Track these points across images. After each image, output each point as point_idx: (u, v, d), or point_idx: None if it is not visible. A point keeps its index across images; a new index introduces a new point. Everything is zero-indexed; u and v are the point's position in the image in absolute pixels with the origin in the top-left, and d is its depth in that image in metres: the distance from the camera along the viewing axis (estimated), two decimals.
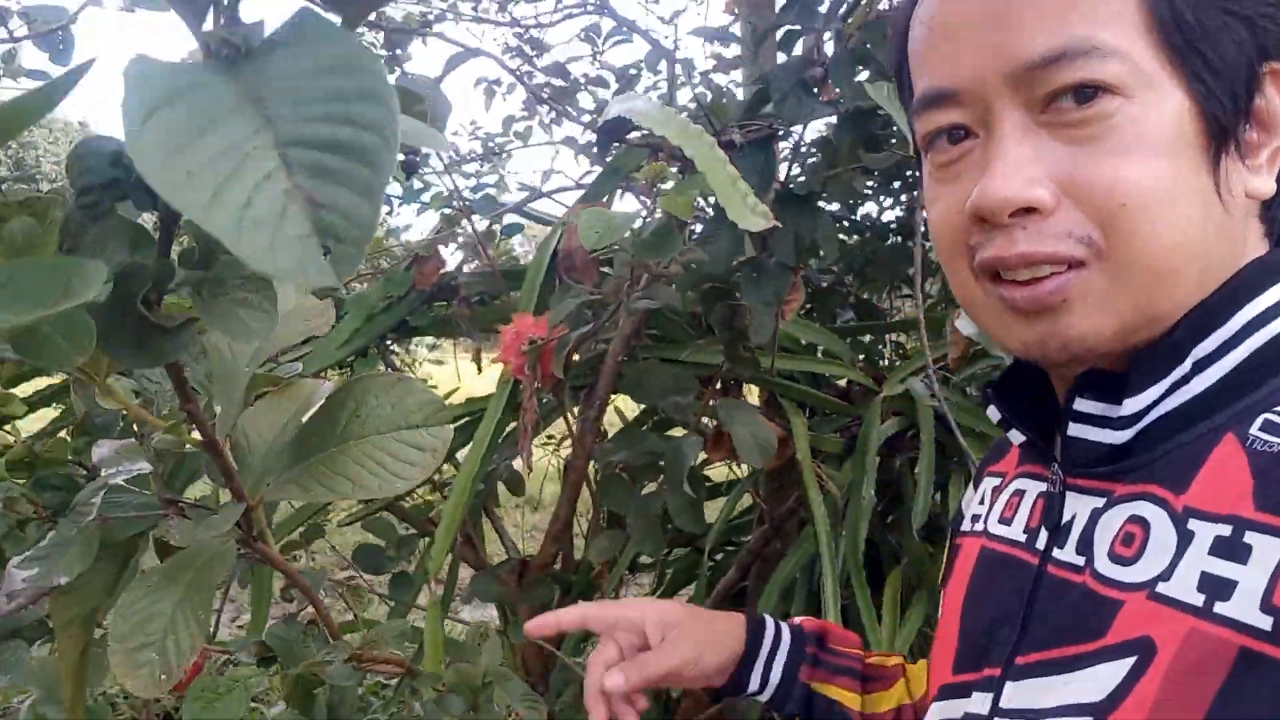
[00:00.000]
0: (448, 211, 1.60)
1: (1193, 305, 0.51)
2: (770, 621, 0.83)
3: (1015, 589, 0.56)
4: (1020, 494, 0.62)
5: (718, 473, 2.35)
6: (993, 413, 0.62)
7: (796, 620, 0.85)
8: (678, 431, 1.74)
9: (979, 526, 0.66)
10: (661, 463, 1.46)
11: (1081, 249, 0.50)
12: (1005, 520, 0.62)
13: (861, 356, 2.09)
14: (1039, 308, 0.52)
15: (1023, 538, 0.59)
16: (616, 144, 1.36)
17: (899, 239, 2.78)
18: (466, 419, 1.80)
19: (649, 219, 1.08)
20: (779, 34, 1.34)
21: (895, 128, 1.26)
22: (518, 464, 2.14)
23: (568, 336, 1.26)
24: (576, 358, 1.37)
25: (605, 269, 1.38)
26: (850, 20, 1.31)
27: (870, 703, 0.81)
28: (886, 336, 2.34)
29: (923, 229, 1.59)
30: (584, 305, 1.23)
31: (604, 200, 1.48)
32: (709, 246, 1.32)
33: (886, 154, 1.19)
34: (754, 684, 0.80)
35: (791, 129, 1.31)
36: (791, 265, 1.31)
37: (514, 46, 2.31)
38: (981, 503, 0.68)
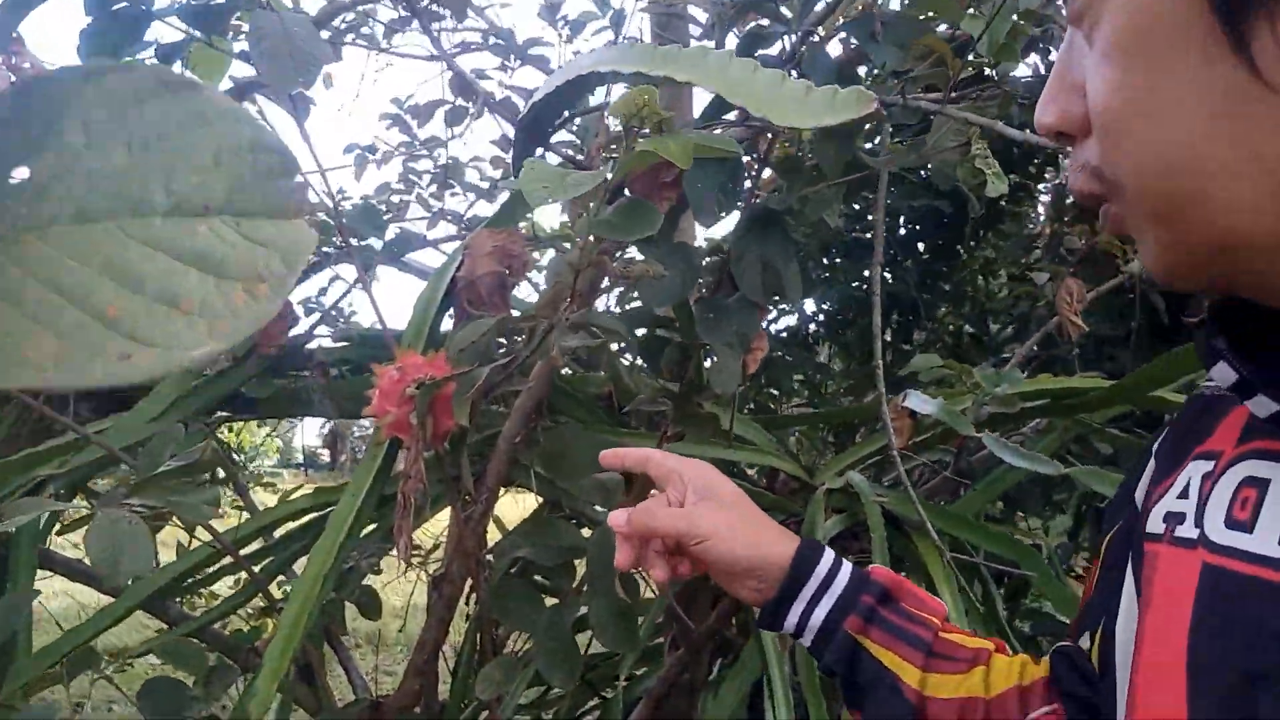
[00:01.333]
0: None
1: None
2: (830, 553, 0.66)
3: (1278, 633, 0.37)
4: (1261, 485, 0.41)
5: None
6: (1222, 373, 0.41)
7: (869, 567, 0.67)
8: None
9: (1188, 531, 0.44)
10: (579, 561, 1.04)
11: (1094, 183, 0.41)
12: (1239, 524, 0.41)
13: None
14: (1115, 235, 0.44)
15: (1278, 552, 0.39)
16: (540, 148, 1.01)
17: (792, 347, 2.53)
18: (314, 514, 1.33)
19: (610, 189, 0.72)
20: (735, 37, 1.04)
21: (890, 131, 0.96)
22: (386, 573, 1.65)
23: (476, 372, 0.86)
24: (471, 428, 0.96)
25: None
26: (828, 20, 1.03)
27: (932, 683, 0.60)
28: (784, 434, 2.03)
29: (878, 295, 1.30)
30: (498, 330, 0.85)
31: (515, 227, 1.12)
32: (651, 280, 0.97)
33: (905, 148, 0.88)
34: (791, 622, 0.64)
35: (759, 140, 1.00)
36: (759, 301, 0.97)
37: (393, 114, 1.97)
38: (1184, 496, 0.46)
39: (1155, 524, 0.47)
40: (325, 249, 1.41)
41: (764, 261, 0.98)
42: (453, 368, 0.88)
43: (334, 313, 1.80)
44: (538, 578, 1.23)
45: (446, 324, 1.19)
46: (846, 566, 0.65)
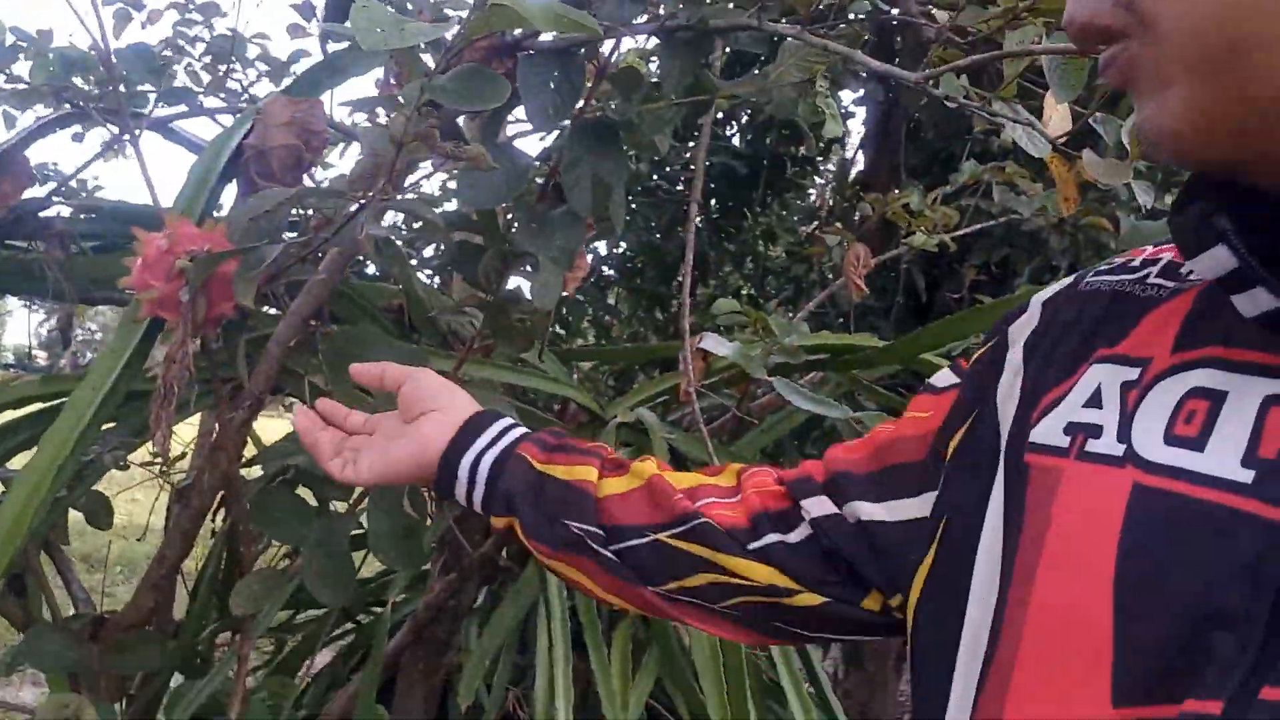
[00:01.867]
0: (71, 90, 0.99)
1: None
2: (510, 418, 0.67)
3: (1239, 566, 0.32)
4: (1215, 397, 0.35)
5: None
6: (1214, 260, 0.34)
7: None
8: None
9: (1108, 446, 0.37)
10: None
11: (1120, 15, 0.33)
12: (1185, 441, 0.35)
13: None
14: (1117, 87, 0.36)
15: (1243, 475, 0.33)
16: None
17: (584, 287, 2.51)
18: (40, 404, 1.13)
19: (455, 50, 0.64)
20: None
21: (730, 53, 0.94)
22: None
23: (265, 250, 0.75)
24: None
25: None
26: None
27: (607, 485, 0.61)
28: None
29: (693, 233, 1.29)
30: (294, 203, 0.74)
31: (318, 99, 0.98)
32: (474, 177, 0.89)
33: (748, 78, 0.86)
34: (464, 472, 0.62)
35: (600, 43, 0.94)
36: (586, 215, 0.92)
37: None
38: (1095, 405, 0.39)
39: (1051, 435, 0.40)
40: (75, 102, 1.19)
41: (596, 174, 0.93)
42: (234, 243, 0.76)
43: (75, 184, 1.54)
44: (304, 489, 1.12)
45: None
46: (522, 427, 0.66)
